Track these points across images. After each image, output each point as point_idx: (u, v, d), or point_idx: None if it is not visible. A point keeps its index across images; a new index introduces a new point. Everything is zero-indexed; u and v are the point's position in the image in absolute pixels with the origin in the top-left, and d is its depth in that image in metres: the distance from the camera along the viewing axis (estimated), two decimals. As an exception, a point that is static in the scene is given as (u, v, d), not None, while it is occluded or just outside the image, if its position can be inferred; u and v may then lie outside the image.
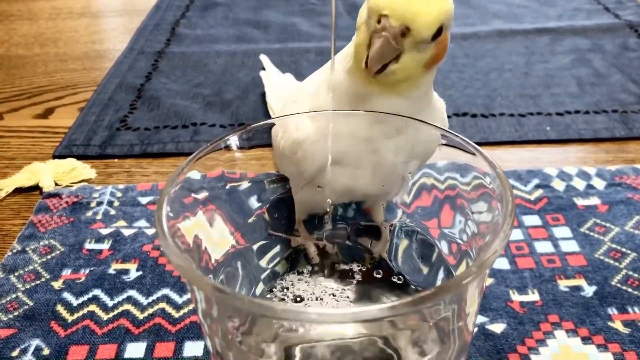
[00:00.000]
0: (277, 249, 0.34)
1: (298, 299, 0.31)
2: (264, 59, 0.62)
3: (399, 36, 0.27)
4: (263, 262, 0.33)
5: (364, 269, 0.33)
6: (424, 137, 0.30)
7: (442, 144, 0.29)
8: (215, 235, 0.30)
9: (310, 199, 0.34)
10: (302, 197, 0.34)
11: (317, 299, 0.31)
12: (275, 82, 0.56)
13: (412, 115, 0.30)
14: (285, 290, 0.32)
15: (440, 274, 0.30)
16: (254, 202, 0.33)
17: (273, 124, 0.32)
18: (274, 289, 0.32)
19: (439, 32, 0.28)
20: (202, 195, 0.29)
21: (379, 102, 0.30)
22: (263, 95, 0.60)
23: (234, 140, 0.29)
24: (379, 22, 0.28)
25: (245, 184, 0.32)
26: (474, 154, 0.26)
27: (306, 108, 0.34)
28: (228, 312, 0.21)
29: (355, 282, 0.32)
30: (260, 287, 0.32)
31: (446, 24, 0.28)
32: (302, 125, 0.32)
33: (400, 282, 0.32)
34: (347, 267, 0.33)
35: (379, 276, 0.32)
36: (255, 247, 0.33)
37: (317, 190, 0.33)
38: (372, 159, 0.31)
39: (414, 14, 0.27)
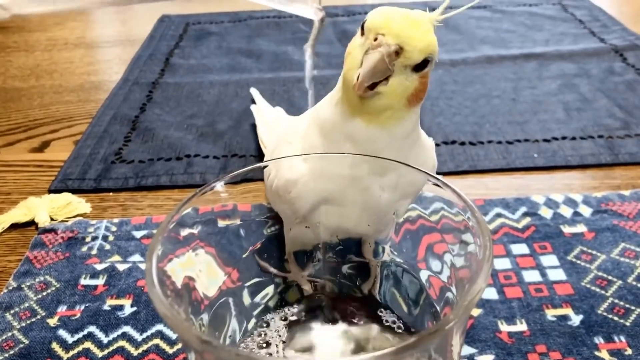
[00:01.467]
0: (269, 284, 0.35)
1: (287, 337, 0.32)
2: (254, 92, 0.63)
3: (393, 54, 0.29)
4: (255, 298, 0.34)
5: (353, 306, 0.33)
6: (411, 178, 0.31)
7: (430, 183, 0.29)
8: (207, 273, 0.31)
9: (301, 236, 0.34)
10: (293, 234, 0.35)
11: (306, 338, 0.32)
12: (267, 116, 0.57)
13: (396, 152, 0.31)
14: (275, 330, 0.32)
15: (427, 311, 0.30)
16: (246, 239, 0.34)
17: (264, 166, 0.33)
18: (263, 327, 0.32)
19: (424, 64, 0.30)
20: (194, 233, 0.30)
21: (363, 135, 0.31)
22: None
23: (221, 185, 0.30)
24: (375, 40, 0.29)
25: (237, 222, 0.33)
26: (459, 198, 0.27)
27: (298, 149, 0.35)
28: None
29: (344, 319, 0.33)
30: (252, 323, 0.33)
31: (432, 58, 0.30)
32: (295, 165, 0.33)
33: (389, 319, 0.32)
34: (336, 304, 0.34)
35: (368, 313, 0.33)
36: (247, 283, 0.34)
37: (306, 229, 0.34)
38: (363, 198, 0.32)
39: (409, 36, 0.29)
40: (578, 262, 0.42)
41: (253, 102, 0.62)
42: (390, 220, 0.33)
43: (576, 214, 0.46)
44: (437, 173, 0.32)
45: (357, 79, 0.29)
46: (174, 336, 0.37)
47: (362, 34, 0.30)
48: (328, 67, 0.73)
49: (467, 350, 0.35)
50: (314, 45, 0.30)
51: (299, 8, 0.26)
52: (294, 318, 0.33)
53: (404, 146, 0.32)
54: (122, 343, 0.37)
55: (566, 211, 0.46)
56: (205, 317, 0.29)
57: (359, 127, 0.31)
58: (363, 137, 0.31)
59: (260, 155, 0.56)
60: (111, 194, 0.52)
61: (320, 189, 0.32)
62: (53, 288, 0.41)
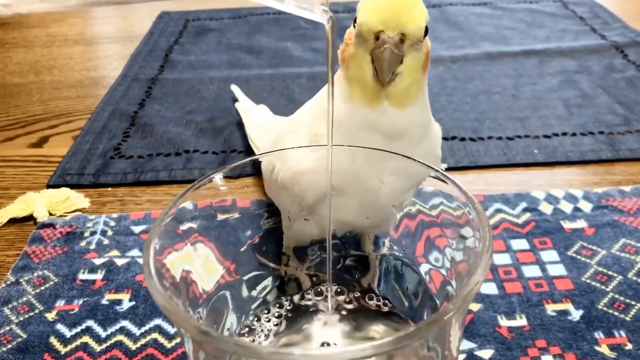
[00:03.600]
0: (267, 278, 0.34)
1: (286, 330, 0.32)
2: (235, 89, 0.63)
3: (399, 43, 0.30)
4: (253, 292, 0.34)
5: (353, 299, 0.33)
6: (418, 169, 0.30)
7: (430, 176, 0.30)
8: (206, 267, 0.31)
9: (300, 230, 0.34)
10: (295, 229, 0.34)
11: (305, 330, 0.32)
12: (254, 116, 0.57)
13: (416, 132, 0.33)
14: (272, 322, 0.32)
15: (426, 304, 0.30)
16: (244, 232, 0.33)
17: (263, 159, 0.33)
18: (261, 319, 0.32)
19: (425, 30, 0.31)
20: (192, 227, 0.30)
21: (386, 120, 0.32)
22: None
23: (220, 177, 0.29)
24: (377, 38, 0.30)
25: (235, 215, 0.33)
26: (459, 190, 0.27)
27: (304, 138, 0.35)
28: (215, 352, 0.21)
29: (343, 311, 0.33)
30: (250, 316, 0.33)
31: (427, 23, 0.32)
32: (304, 156, 0.33)
33: (388, 311, 0.32)
34: (336, 297, 0.33)
35: (367, 306, 0.33)
36: (246, 276, 0.33)
37: (307, 222, 0.34)
38: (366, 188, 0.32)
39: (405, 22, 0.30)
40: (578, 257, 0.41)
41: (235, 100, 0.62)
42: (391, 213, 0.33)
43: (576, 209, 0.46)
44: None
45: (376, 76, 0.31)
46: (172, 330, 0.37)
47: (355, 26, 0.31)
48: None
49: (467, 344, 0.35)
50: (335, 54, 0.30)
51: (304, 10, 0.26)
52: (291, 311, 0.33)
53: (421, 125, 0.33)
54: (121, 337, 0.37)
55: (566, 207, 0.46)
56: (203, 310, 0.29)
57: (380, 114, 0.32)
58: (386, 123, 0.32)
59: (259, 151, 0.55)
60: (110, 189, 0.52)
61: (329, 180, 0.32)
62: (51, 282, 0.41)
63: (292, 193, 0.33)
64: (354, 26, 0.31)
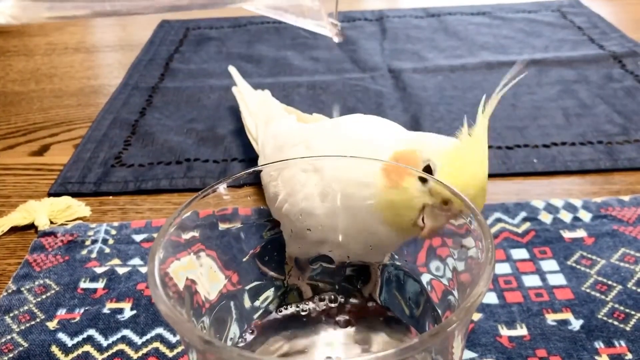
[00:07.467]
0: (269, 288, 0.35)
1: (288, 340, 0.32)
2: (232, 71, 0.62)
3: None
4: (256, 302, 0.34)
5: (355, 309, 0.33)
6: None
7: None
8: (209, 276, 0.31)
9: (301, 244, 0.35)
10: (293, 243, 0.35)
11: (307, 341, 0.32)
12: (250, 103, 0.56)
13: None
14: (276, 329, 0.32)
15: (428, 314, 0.30)
16: (246, 242, 0.34)
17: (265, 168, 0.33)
18: (264, 327, 0.32)
19: None
20: (195, 236, 0.30)
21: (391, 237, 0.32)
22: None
23: (223, 187, 0.30)
24: (445, 204, 0.29)
25: (237, 224, 0.33)
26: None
27: (316, 180, 0.33)
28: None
29: (344, 322, 0.33)
30: (252, 327, 0.33)
31: None
32: (311, 196, 0.33)
33: (389, 319, 0.33)
34: (338, 306, 0.34)
35: (368, 316, 0.33)
36: (248, 286, 0.34)
37: (310, 232, 0.34)
38: (374, 240, 0.33)
39: (480, 203, 0.31)
40: (578, 267, 0.42)
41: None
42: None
43: (576, 219, 0.46)
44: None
45: (421, 223, 0.30)
46: (173, 339, 0.37)
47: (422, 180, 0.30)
48: (328, 72, 0.73)
49: (468, 354, 0.35)
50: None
51: (313, 24, 0.26)
52: (292, 322, 0.33)
53: None
54: (122, 346, 0.37)
55: (566, 216, 0.46)
56: (206, 320, 0.30)
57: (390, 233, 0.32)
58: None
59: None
60: (111, 197, 0.52)
61: (334, 225, 0.32)
62: (52, 291, 0.41)
63: (295, 226, 0.34)
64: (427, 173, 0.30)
